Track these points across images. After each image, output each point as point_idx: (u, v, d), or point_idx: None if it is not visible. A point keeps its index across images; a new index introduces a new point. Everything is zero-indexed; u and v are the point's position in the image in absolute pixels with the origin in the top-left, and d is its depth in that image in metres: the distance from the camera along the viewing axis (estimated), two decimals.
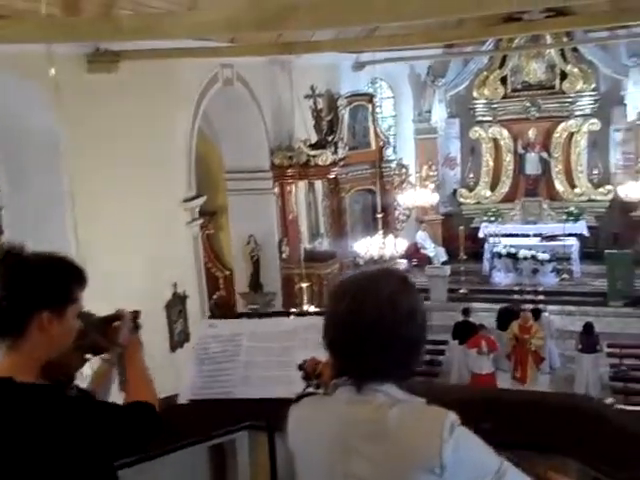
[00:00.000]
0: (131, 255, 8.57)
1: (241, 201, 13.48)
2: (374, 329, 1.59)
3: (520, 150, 17.73)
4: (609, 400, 10.56)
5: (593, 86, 16.79)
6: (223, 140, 13.41)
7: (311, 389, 2.05)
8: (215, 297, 13.64)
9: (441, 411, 1.57)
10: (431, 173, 18.25)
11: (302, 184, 14.75)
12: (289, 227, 14.08)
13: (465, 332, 12.78)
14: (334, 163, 14.38)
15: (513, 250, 16.39)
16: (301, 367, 2.25)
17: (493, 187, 18.08)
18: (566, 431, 2.81)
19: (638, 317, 14.03)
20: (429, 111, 17.80)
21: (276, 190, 13.96)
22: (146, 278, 8.85)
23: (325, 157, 14.08)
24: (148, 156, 9.06)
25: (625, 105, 16.38)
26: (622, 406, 10.49)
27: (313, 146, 14.14)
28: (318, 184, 15.58)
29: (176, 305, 9.93)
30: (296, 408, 1.80)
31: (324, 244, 15.82)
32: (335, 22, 5.14)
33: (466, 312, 13.43)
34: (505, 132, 17.72)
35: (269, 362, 2.67)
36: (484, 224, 17.47)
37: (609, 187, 16.86)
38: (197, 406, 2.66)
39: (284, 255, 14.08)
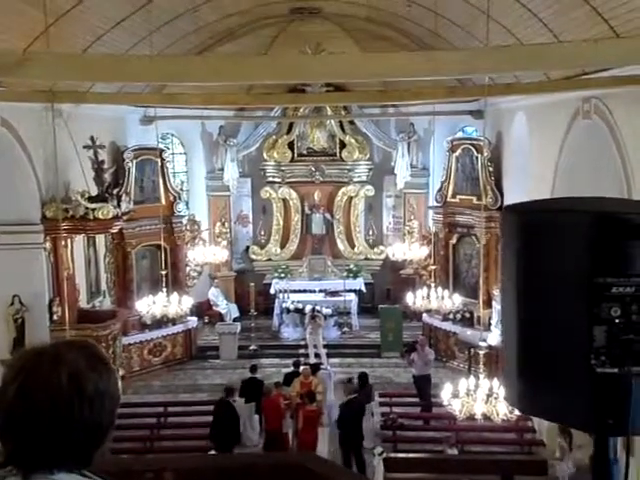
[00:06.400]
0: None
1: (3, 257, 10.93)
2: (49, 415, 1.32)
3: (307, 211, 17.03)
4: (378, 449, 9.67)
5: (368, 156, 16.79)
6: None
7: None
8: None
9: None
10: (224, 230, 16.56)
11: (80, 238, 12.02)
12: (63, 285, 11.22)
13: (252, 389, 11.29)
14: (117, 217, 11.98)
15: (300, 305, 15.44)
16: None
17: (283, 245, 17.10)
18: None
19: (405, 367, 13.41)
20: (222, 169, 16.31)
21: (48, 245, 11.17)
22: None
23: (106, 211, 11.72)
24: None
25: (395, 174, 16.51)
26: (392, 454, 9.70)
27: (93, 199, 11.60)
28: (100, 239, 12.94)
29: None
30: None
31: (106, 303, 13.07)
32: None
33: (253, 369, 12.06)
34: (293, 193, 16.91)
35: None
36: (275, 280, 16.30)
37: (382, 247, 16.75)
38: None
39: (55, 316, 11.14)
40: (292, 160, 16.64)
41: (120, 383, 1.46)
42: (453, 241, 14.44)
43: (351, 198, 16.90)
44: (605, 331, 1.32)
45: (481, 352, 10.11)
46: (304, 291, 16.04)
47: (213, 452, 9.32)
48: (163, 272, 11.85)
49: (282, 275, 16.39)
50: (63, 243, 11.46)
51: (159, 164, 13.91)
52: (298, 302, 15.46)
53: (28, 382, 1.34)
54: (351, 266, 16.45)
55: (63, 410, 1.33)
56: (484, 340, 10.87)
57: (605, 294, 1.32)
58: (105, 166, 12.16)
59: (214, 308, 15.95)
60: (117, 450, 9.22)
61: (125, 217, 12.66)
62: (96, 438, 1.39)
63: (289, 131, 16.54)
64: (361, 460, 9.85)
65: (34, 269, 11.08)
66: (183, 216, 14.85)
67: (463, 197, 14.14)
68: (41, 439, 1.34)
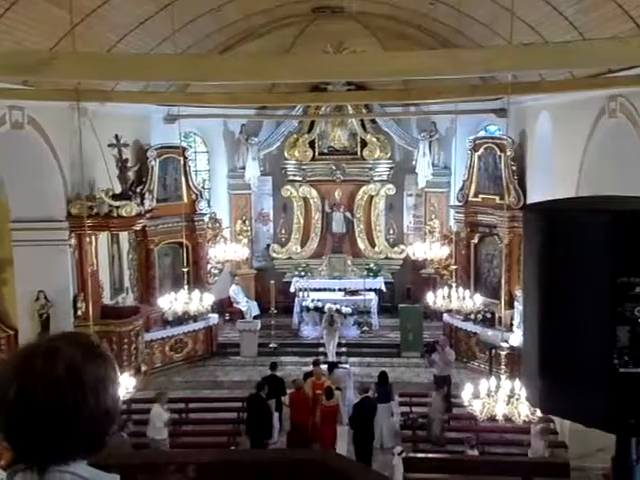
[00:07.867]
0: None
1: (30, 253, 11.11)
2: (53, 411, 1.31)
3: (327, 209, 16.98)
4: (398, 449, 9.62)
5: (389, 155, 16.69)
6: (9, 187, 10.62)
7: None
8: None
9: None
10: (245, 228, 16.64)
11: (104, 236, 12.20)
12: (87, 281, 11.40)
13: (272, 387, 11.27)
14: (140, 215, 12.12)
15: (320, 304, 15.39)
16: None
17: (303, 243, 17.09)
18: None
19: (426, 367, 13.37)
20: (243, 168, 16.38)
21: (73, 242, 11.36)
22: None
23: (130, 208, 11.86)
24: None
25: (416, 173, 16.40)
26: (411, 454, 9.65)
27: (117, 196, 11.77)
28: (123, 236, 13.11)
29: None
30: None
31: (129, 299, 13.24)
32: None
33: (273, 366, 12.10)
34: (314, 192, 16.88)
35: None
36: (295, 279, 16.29)
37: (402, 247, 16.65)
38: None
39: (79, 312, 11.33)
40: (313, 159, 16.64)
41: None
42: (475, 241, 14.32)
43: (372, 197, 16.84)
44: (628, 331, 1.31)
45: (502, 353, 10.02)
46: (324, 290, 16.03)
47: (232, 448, 9.40)
48: (185, 269, 11.97)
49: (302, 273, 16.42)
50: (87, 240, 11.65)
51: (182, 162, 14.04)
52: (318, 301, 15.45)
53: (27, 382, 1.32)
54: (371, 265, 16.39)
55: (67, 404, 1.33)
56: (506, 341, 10.77)
57: (629, 294, 1.31)
58: (129, 164, 12.31)
59: (235, 305, 16.04)
60: (139, 445, 9.36)
61: (148, 215, 12.81)
62: (105, 424, 1.40)
63: (310, 130, 16.54)
64: (368, 460, 9.82)
65: (59, 265, 11.27)
66: (205, 214, 14.97)
67: (485, 196, 14.01)
68: (50, 435, 1.33)
